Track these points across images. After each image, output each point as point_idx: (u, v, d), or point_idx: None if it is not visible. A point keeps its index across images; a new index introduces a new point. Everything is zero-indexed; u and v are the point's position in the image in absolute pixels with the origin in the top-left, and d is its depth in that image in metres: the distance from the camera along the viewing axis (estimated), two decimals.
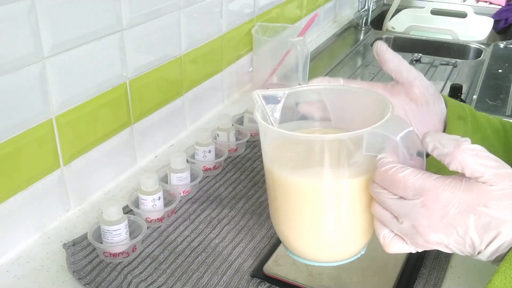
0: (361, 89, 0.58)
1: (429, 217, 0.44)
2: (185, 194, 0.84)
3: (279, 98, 0.56)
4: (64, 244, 0.72)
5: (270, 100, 0.56)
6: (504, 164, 0.44)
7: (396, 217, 0.47)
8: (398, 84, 0.61)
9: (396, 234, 0.48)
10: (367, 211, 0.52)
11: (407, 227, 0.46)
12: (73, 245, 0.72)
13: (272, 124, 0.55)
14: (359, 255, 0.56)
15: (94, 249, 0.71)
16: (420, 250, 0.48)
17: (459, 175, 0.44)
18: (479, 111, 0.69)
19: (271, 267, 0.68)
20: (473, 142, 0.52)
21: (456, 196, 0.43)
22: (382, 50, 0.58)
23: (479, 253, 0.45)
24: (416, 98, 0.60)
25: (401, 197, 0.46)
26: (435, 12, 2.08)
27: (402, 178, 0.45)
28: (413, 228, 0.46)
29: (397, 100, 0.60)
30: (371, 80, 1.47)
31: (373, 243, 0.73)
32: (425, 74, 1.49)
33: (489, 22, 1.97)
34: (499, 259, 0.45)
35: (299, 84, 1.19)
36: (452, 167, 0.44)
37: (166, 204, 0.78)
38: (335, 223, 0.54)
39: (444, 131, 0.61)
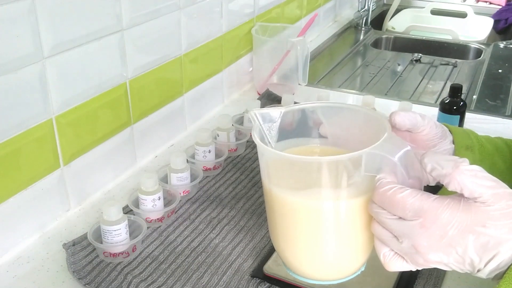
0: (357, 106, 0.58)
1: (429, 237, 0.45)
2: (185, 194, 0.84)
3: (276, 117, 0.56)
4: (64, 244, 0.72)
5: (267, 119, 0.56)
6: (502, 184, 0.44)
7: (396, 236, 0.48)
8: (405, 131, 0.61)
9: (396, 252, 0.49)
10: (366, 230, 0.52)
11: (407, 247, 0.47)
12: (73, 245, 0.72)
13: (269, 142, 0.55)
14: (358, 272, 0.57)
15: (94, 249, 0.71)
16: (420, 268, 0.48)
17: (458, 195, 0.45)
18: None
19: (271, 267, 0.68)
20: None
21: (455, 217, 0.44)
22: (402, 123, 0.58)
23: (478, 271, 0.46)
24: (422, 143, 0.60)
25: (400, 218, 0.46)
26: (435, 12, 2.08)
27: (401, 199, 0.46)
28: (412, 248, 0.46)
29: None
30: (370, 80, 1.47)
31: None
32: (425, 74, 1.50)
33: (489, 22, 1.97)
34: (498, 277, 0.45)
35: (299, 84, 1.20)
36: (451, 188, 0.45)
37: (166, 204, 0.78)
38: (334, 242, 0.54)
39: None
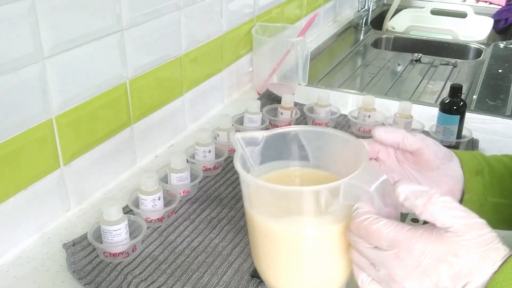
0: (337, 132, 0.59)
1: (404, 267, 0.46)
2: (185, 194, 0.84)
3: (259, 141, 0.58)
4: (64, 244, 0.72)
5: (250, 142, 0.58)
6: (473, 214, 0.46)
7: (372, 264, 0.49)
8: (407, 152, 0.61)
9: (373, 278, 0.50)
10: (346, 255, 0.53)
11: (383, 275, 0.48)
12: (73, 245, 0.72)
13: (252, 165, 0.58)
14: None
15: (94, 249, 0.71)
16: None
17: (430, 225, 0.46)
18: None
19: None
20: (494, 195, 0.58)
21: (428, 247, 0.45)
22: (382, 137, 0.60)
23: None
24: (425, 165, 0.61)
25: (376, 247, 0.48)
26: (435, 12, 2.08)
27: (376, 229, 0.47)
28: (388, 276, 0.48)
29: (407, 167, 0.61)
30: (370, 80, 1.47)
31: None
32: (425, 74, 1.50)
33: (489, 22, 1.97)
34: None
35: (299, 84, 1.20)
36: (423, 218, 0.46)
37: (166, 204, 0.78)
38: (314, 267, 0.55)
39: (463, 189, 0.61)
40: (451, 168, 0.61)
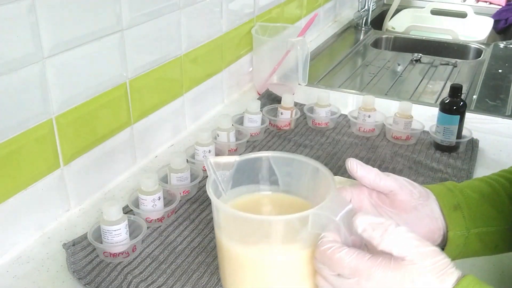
0: (307, 159, 0.61)
1: None
2: (185, 194, 0.84)
3: (231, 165, 0.61)
4: (64, 244, 0.72)
5: (222, 167, 0.60)
6: (426, 243, 0.49)
7: None
8: (382, 194, 0.62)
9: None
10: (312, 280, 0.56)
11: None
12: (73, 245, 0.72)
13: (223, 190, 0.60)
14: None
15: (94, 249, 0.71)
16: None
17: (389, 254, 0.49)
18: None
19: None
20: (476, 226, 0.60)
21: (387, 275, 0.48)
22: (353, 169, 0.60)
23: None
24: (402, 206, 0.61)
25: (339, 274, 0.50)
26: (435, 12, 2.08)
27: (338, 258, 0.50)
28: None
29: (384, 210, 0.61)
30: (370, 80, 1.47)
31: None
32: (425, 74, 1.50)
33: (489, 22, 1.98)
34: None
35: (299, 84, 1.20)
36: (380, 248, 0.49)
37: (166, 204, 0.78)
38: None
39: (445, 226, 0.62)
40: (429, 208, 0.61)
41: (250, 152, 0.97)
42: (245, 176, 0.63)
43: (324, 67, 1.53)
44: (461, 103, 0.96)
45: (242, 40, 1.22)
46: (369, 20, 1.84)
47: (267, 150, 0.98)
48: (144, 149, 0.95)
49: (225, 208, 0.56)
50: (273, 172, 0.63)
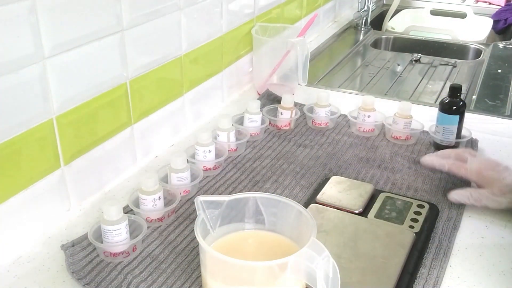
0: (292, 202, 0.66)
1: None
2: (185, 194, 0.84)
3: (220, 205, 0.65)
4: (62, 246, 0.71)
5: (212, 205, 0.64)
6: None
7: None
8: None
9: None
10: None
11: None
12: (72, 245, 0.72)
13: (211, 228, 0.64)
14: None
15: (94, 249, 0.71)
16: None
17: None
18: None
19: None
20: None
21: None
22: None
23: None
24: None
25: None
26: (434, 12, 2.08)
27: None
28: None
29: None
30: (370, 80, 1.47)
31: (373, 242, 0.73)
32: (424, 74, 1.50)
33: (489, 23, 1.98)
34: None
35: (299, 84, 1.20)
36: None
37: (166, 204, 0.79)
38: None
39: None
40: None
41: (249, 151, 0.98)
42: (233, 214, 0.67)
43: (324, 67, 1.53)
44: (461, 103, 0.96)
45: (242, 40, 1.22)
46: (368, 21, 1.84)
47: (267, 150, 0.99)
48: (144, 149, 0.95)
49: (211, 251, 0.59)
50: (260, 211, 0.68)
